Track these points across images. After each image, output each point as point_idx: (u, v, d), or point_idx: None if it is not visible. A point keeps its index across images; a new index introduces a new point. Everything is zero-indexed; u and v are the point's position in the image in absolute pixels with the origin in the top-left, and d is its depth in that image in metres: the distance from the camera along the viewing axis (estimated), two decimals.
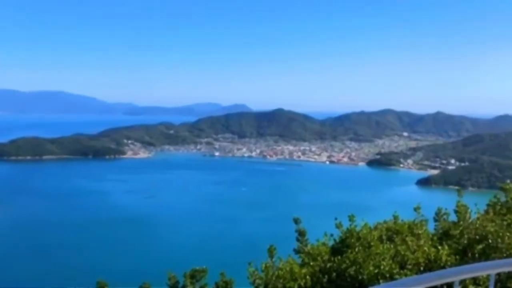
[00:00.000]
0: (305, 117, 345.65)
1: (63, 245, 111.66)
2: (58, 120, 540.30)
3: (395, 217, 11.64)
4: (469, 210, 11.21)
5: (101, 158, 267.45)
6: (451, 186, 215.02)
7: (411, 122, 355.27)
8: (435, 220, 12.13)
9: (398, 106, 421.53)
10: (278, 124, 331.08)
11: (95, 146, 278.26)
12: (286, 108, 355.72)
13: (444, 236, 11.01)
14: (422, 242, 10.28)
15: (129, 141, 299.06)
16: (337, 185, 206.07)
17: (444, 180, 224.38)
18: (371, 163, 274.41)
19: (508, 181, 11.83)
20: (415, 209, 11.59)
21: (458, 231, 10.59)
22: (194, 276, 11.91)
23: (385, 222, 11.69)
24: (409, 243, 10.20)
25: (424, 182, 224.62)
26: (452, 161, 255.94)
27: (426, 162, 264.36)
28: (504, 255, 9.40)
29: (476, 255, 9.83)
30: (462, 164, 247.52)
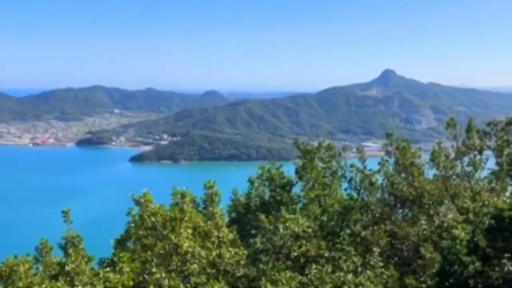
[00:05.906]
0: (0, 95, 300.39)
1: None
2: None
3: None
4: None
5: None
6: (164, 161, 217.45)
7: (122, 98, 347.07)
8: None
9: (108, 83, 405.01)
10: None
11: None
12: None
13: None
14: None
15: None
16: (43, 169, 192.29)
17: (157, 156, 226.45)
18: (81, 143, 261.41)
19: None
20: None
21: None
22: None
23: None
24: None
25: (137, 159, 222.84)
26: (165, 136, 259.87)
27: (139, 139, 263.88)
28: None
29: None
30: (175, 138, 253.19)
